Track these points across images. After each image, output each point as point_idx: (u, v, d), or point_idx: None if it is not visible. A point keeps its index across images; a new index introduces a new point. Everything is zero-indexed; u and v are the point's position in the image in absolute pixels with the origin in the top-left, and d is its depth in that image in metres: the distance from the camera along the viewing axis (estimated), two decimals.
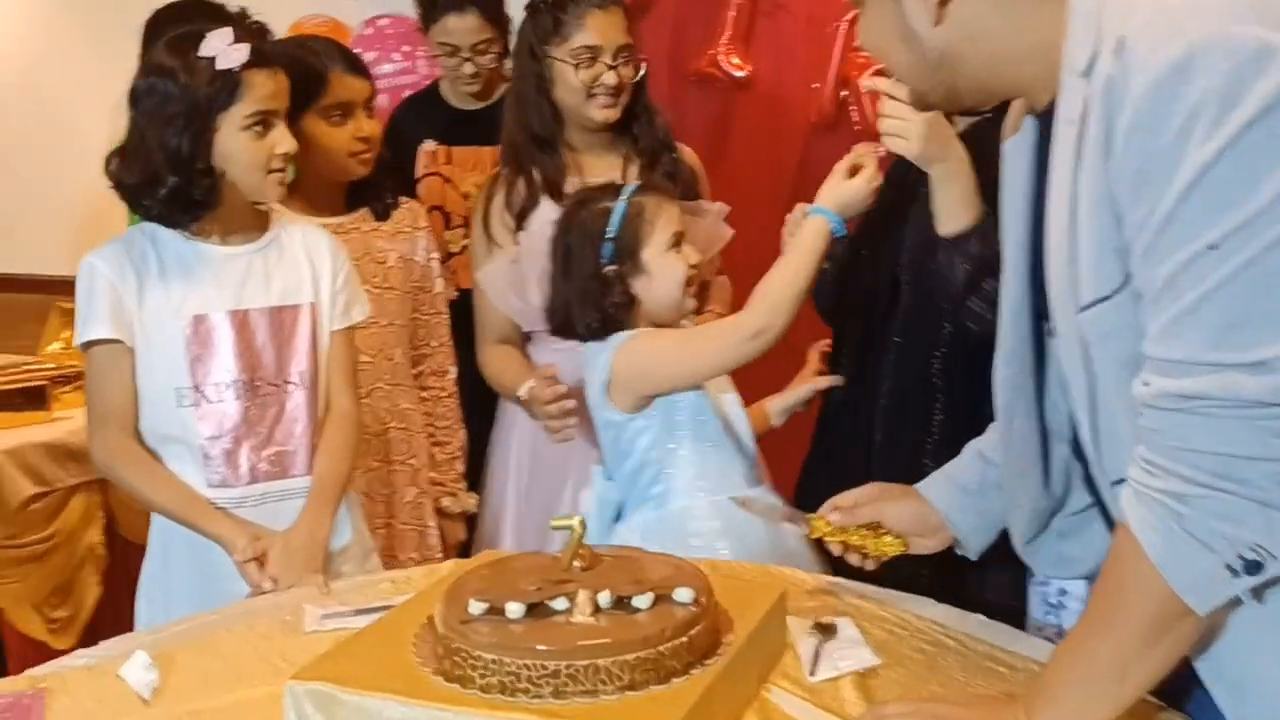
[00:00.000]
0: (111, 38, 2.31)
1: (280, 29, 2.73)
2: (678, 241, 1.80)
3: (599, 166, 2.16)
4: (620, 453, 1.78)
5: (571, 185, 2.11)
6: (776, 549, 1.76)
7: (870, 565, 1.47)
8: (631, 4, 2.90)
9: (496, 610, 1.17)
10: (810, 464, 2.03)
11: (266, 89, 1.68)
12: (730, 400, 1.84)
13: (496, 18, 2.51)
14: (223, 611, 1.54)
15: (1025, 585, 1.85)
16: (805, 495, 1.94)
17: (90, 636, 2.85)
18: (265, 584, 1.64)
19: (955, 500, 1.46)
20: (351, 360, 1.88)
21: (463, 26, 2.47)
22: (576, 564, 1.25)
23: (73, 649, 2.84)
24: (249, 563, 1.65)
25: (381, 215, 2.19)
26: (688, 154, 2.25)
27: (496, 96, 2.63)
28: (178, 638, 1.46)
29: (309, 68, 2.03)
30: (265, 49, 1.72)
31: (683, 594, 1.19)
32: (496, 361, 2.17)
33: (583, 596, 1.16)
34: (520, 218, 2.12)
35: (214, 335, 1.73)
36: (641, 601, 1.17)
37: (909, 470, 1.88)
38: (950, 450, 1.89)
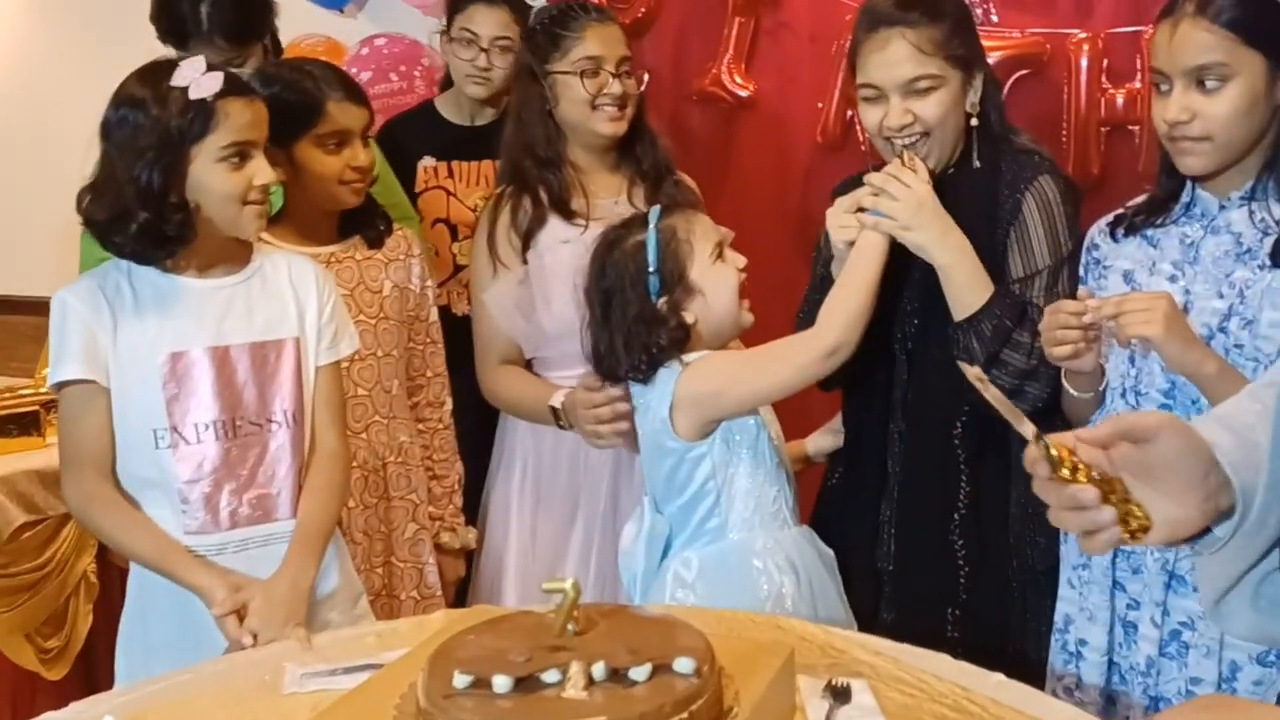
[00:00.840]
0: (115, 54, 2.27)
1: None
2: (720, 251, 1.74)
3: (604, 186, 2.12)
4: (676, 484, 1.71)
5: (578, 204, 2.07)
6: (837, 582, 1.72)
7: (1099, 547, 1.02)
8: (632, 23, 2.86)
9: (483, 683, 1.09)
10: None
11: (243, 118, 1.61)
12: (777, 432, 1.78)
13: (522, 20, 2.51)
14: (198, 670, 1.46)
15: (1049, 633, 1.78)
16: None
17: (82, 666, 2.83)
18: (245, 639, 1.56)
19: (1251, 460, 1.01)
20: (340, 396, 1.80)
21: (490, 18, 2.49)
22: (570, 628, 1.17)
23: (65, 679, 2.83)
24: (228, 616, 1.58)
25: (375, 243, 2.12)
26: (687, 180, 2.20)
27: (497, 115, 2.59)
28: (149, 699, 1.38)
29: (306, 94, 1.97)
30: (241, 77, 1.65)
31: (683, 664, 1.11)
32: (506, 380, 2.11)
33: (575, 669, 1.08)
34: (527, 237, 2.08)
35: (192, 372, 1.66)
36: (639, 674, 1.09)
37: (929, 554, 1.81)
38: (978, 528, 1.82)
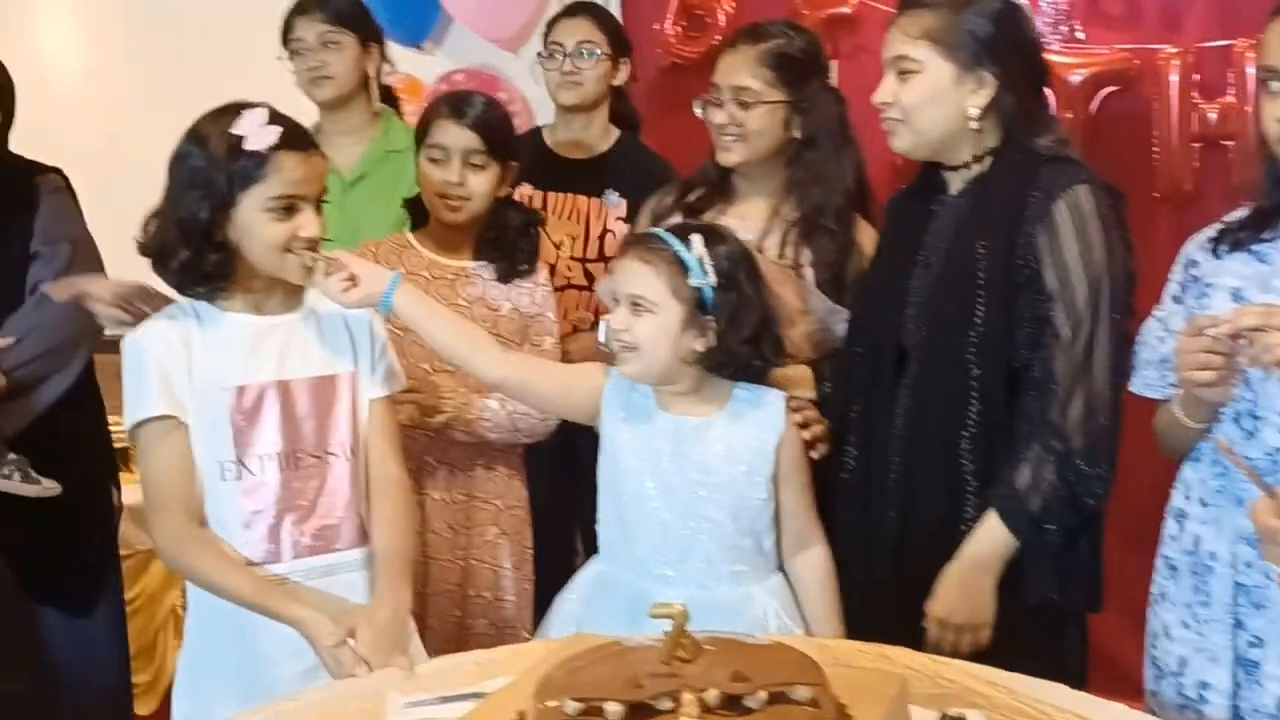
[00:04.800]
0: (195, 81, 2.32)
1: None
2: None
3: (747, 212, 2.12)
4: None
5: (709, 216, 2.12)
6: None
7: None
8: (707, 50, 2.86)
9: (594, 710, 1.07)
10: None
11: (296, 173, 1.63)
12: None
13: (606, 29, 2.59)
14: (300, 699, 1.46)
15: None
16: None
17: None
18: (360, 670, 1.53)
19: None
20: (395, 427, 1.81)
21: (572, 27, 2.58)
22: (678, 654, 1.15)
23: (154, 713, 2.83)
24: (340, 647, 1.54)
25: (502, 275, 2.18)
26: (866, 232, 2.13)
27: (600, 150, 2.62)
28: None
29: (426, 109, 2.18)
30: (301, 132, 1.68)
31: (800, 692, 1.08)
32: None
33: (688, 697, 1.06)
34: (655, 221, 2.16)
35: (260, 406, 1.67)
36: (754, 701, 1.06)
37: (935, 566, 1.73)
38: None
